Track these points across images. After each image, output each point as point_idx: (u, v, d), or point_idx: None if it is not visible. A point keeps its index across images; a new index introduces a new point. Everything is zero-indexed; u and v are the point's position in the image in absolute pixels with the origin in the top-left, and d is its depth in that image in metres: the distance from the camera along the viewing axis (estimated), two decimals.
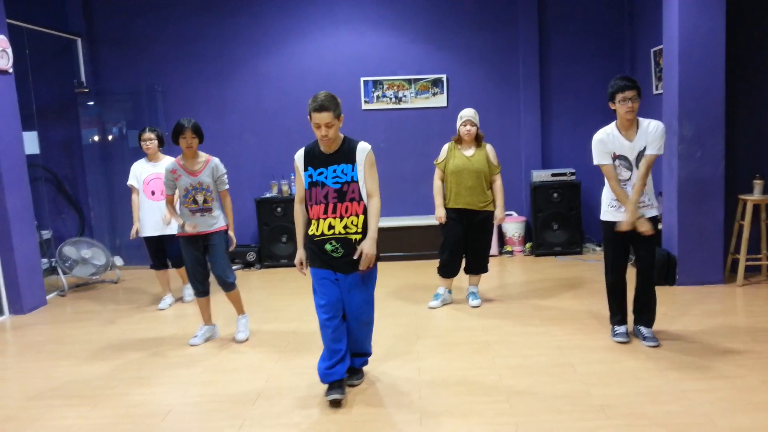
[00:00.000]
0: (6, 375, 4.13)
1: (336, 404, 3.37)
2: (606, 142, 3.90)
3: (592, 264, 6.47)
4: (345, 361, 3.44)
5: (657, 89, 6.39)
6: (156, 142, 5.30)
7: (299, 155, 3.41)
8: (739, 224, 5.49)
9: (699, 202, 5.31)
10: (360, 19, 7.15)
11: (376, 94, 7.19)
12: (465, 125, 4.89)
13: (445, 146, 5.05)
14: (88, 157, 7.37)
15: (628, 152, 3.88)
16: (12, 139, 5.51)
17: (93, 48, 7.22)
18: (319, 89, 7.14)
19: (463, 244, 5.04)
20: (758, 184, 5.30)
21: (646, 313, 4.14)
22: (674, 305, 4.91)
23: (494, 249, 6.99)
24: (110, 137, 7.39)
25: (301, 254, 3.47)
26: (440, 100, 7.20)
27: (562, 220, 6.89)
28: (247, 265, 7.01)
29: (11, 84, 5.54)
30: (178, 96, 7.25)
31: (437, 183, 5.05)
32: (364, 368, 3.80)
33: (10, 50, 5.46)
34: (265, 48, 7.19)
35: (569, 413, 3.17)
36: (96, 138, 7.35)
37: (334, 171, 3.33)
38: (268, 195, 7.03)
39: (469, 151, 4.94)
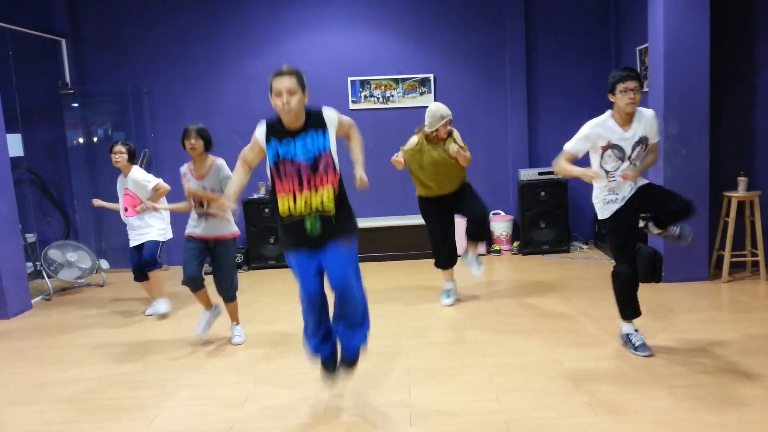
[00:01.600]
0: None
1: (329, 379, 3.39)
2: (601, 133, 3.71)
3: (579, 262, 6.50)
4: (333, 339, 3.32)
5: (643, 87, 6.42)
6: (126, 156, 5.09)
7: (260, 131, 3.15)
8: (723, 221, 5.55)
9: None
10: (347, 19, 7.15)
11: (363, 94, 7.19)
12: (446, 126, 4.80)
13: (415, 138, 4.90)
14: (74, 159, 7.30)
15: (624, 142, 3.71)
16: None
17: (78, 49, 7.16)
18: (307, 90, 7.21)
19: (449, 229, 5.07)
20: (742, 181, 5.35)
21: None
22: (661, 302, 4.95)
23: (482, 248, 7.01)
24: (95, 139, 7.33)
25: (231, 205, 3.14)
26: (428, 100, 7.19)
27: (549, 218, 6.92)
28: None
29: None
30: (164, 97, 7.20)
31: (396, 158, 4.86)
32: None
33: None
34: (252, 49, 7.16)
35: (559, 410, 3.19)
36: (81, 140, 7.29)
37: (304, 144, 3.04)
38: (255, 196, 7.00)
39: (439, 147, 4.84)
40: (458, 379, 3.64)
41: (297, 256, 3.14)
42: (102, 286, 6.59)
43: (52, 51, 7.05)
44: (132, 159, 5.16)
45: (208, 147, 4.33)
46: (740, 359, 3.71)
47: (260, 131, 3.14)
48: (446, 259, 5.11)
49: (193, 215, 4.36)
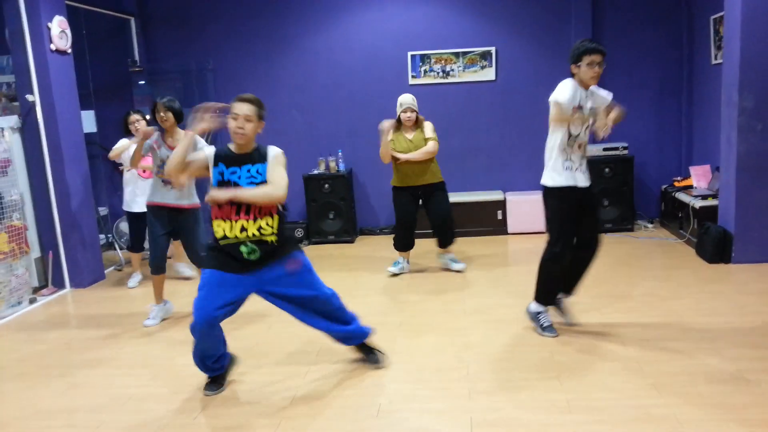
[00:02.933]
0: (71, 345, 4.33)
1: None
2: (576, 94, 3.70)
3: (643, 241, 6.32)
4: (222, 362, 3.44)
5: (716, 59, 6.14)
6: (143, 122, 5.45)
7: (210, 151, 3.22)
8: None
9: (759, 177, 5.11)
10: None
11: (423, 69, 7.13)
12: (405, 112, 5.18)
13: (386, 123, 5.22)
14: None
15: (585, 108, 3.74)
16: (71, 118, 5.70)
17: (146, 27, 7.36)
18: (368, 64, 7.25)
19: (414, 220, 5.43)
20: None
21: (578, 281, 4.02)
22: (729, 283, 4.78)
23: (542, 225, 6.89)
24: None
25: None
26: (489, 74, 7.08)
27: (613, 196, 6.73)
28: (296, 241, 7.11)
29: (70, 64, 5.71)
30: (229, 74, 7.34)
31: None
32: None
33: (69, 31, 5.62)
34: (314, 24, 7.19)
35: (621, 391, 3.14)
36: (149, 117, 7.50)
37: (249, 171, 3.14)
38: (315, 172, 7.08)
39: (410, 135, 5.24)
40: (517, 357, 3.64)
41: (217, 276, 3.14)
42: (170, 258, 6.81)
43: (122, 29, 7.27)
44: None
45: (178, 119, 4.53)
46: None
47: (210, 151, 3.23)
48: (404, 244, 5.55)
49: (157, 184, 4.51)
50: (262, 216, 3.12)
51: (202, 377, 3.50)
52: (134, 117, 5.47)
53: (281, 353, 3.90)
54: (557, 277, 3.92)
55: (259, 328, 4.37)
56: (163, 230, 4.52)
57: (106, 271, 6.18)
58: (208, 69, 7.30)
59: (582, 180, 3.81)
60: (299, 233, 7.05)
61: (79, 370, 3.86)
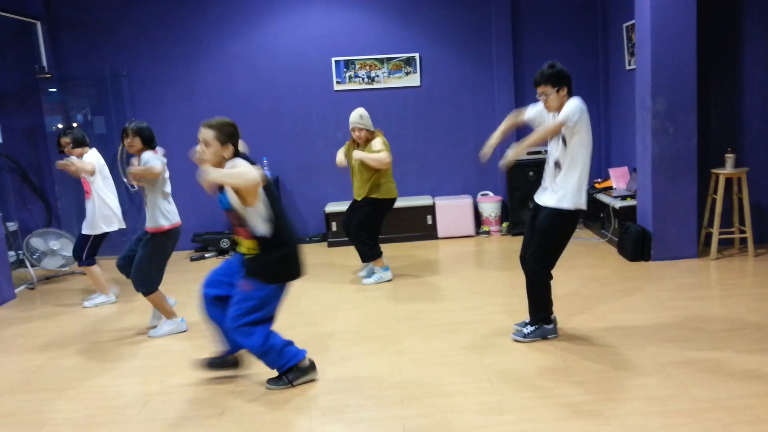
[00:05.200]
0: None
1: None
2: (539, 111, 3.78)
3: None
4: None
5: (630, 65, 6.39)
6: (71, 144, 5.10)
7: None
8: (711, 198, 5.55)
9: (673, 177, 5.34)
10: None
11: (348, 75, 7.09)
12: (353, 131, 5.18)
13: (346, 144, 5.40)
14: (53, 145, 7.08)
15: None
16: None
17: (54, 31, 6.97)
18: (290, 70, 7.14)
19: (349, 229, 5.38)
20: (730, 158, 5.34)
21: None
22: (649, 280, 4.95)
23: (471, 229, 6.99)
24: (75, 124, 7.17)
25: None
26: (413, 80, 7.12)
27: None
28: (221, 252, 6.91)
29: None
30: (144, 80, 7.05)
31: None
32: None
33: None
34: (233, 29, 7.02)
35: (549, 389, 3.18)
36: (60, 125, 7.13)
37: (223, 195, 3.26)
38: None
39: (358, 152, 5.18)
40: (449, 361, 3.62)
41: (228, 261, 3.47)
42: (85, 274, 6.48)
43: (28, 34, 6.85)
44: (79, 145, 5.10)
45: (148, 144, 4.30)
46: (729, 336, 3.72)
47: None
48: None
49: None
50: (242, 237, 3.28)
51: (115, 400, 3.30)
52: (65, 140, 5.09)
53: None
54: (549, 297, 3.84)
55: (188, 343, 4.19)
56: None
57: (16, 290, 5.79)
58: (122, 75, 7.00)
59: (547, 182, 3.81)
60: (225, 244, 6.85)
61: None
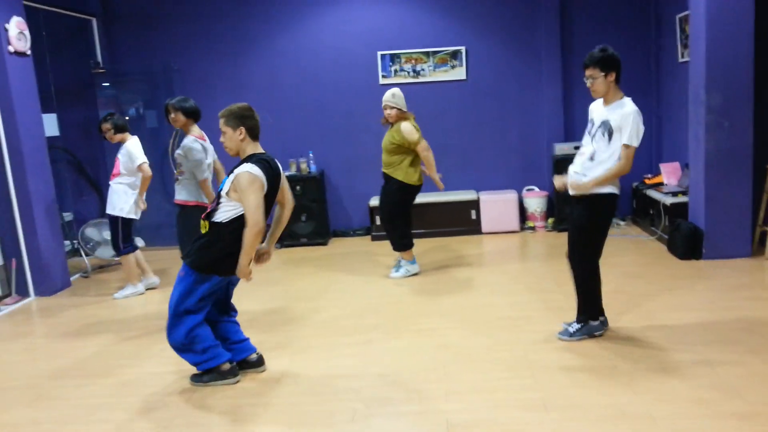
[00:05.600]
0: (34, 355, 4.19)
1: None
2: (593, 107, 3.78)
3: (615, 239, 6.36)
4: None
5: (683, 57, 6.22)
6: (112, 130, 5.25)
7: None
8: (766, 195, 5.36)
9: (726, 174, 5.18)
10: None
11: (393, 69, 7.09)
12: (385, 109, 5.18)
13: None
14: None
15: (595, 115, 3.70)
16: (32, 122, 5.53)
17: (108, 28, 7.19)
18: (336, 65, 7.19)
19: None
20: None
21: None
22: (700, 279, 4.83)
23: (516, 224, 6.93)
24: (127, 117, 7.37)
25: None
26: (459, 73, 7.08)
27: None
28: None
29: (30, 66, 5.54)
30: (194, 74, 7.21)
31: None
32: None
33: (27, 32, 5.45)
34: (280, 24, 7.11)
35: (595, 388, 3.14)
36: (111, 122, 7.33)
37: (226, 180, 3.37)
38: (286, 173, 6.98)
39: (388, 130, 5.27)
40: (493, 357, 3.61)
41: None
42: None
43: (84, 30, 7.08)
44: (118, 131, 5.26)
45: (192, 117, 4.63)
46: None
47: None
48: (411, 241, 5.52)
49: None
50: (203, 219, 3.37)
51: (168, 387, 3.41)
52: (105, 126, 5.25)
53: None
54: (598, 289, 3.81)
55: None
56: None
57: (72, 279, 6.02)
58: (173, 70, 7.16)
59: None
60: None
61: (45, 380, 3.73)
